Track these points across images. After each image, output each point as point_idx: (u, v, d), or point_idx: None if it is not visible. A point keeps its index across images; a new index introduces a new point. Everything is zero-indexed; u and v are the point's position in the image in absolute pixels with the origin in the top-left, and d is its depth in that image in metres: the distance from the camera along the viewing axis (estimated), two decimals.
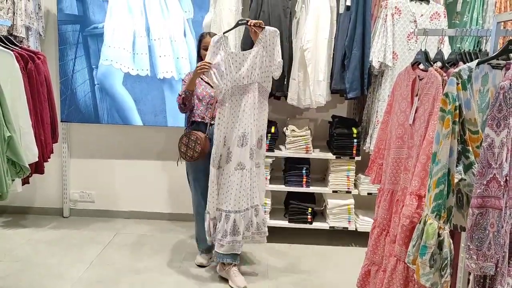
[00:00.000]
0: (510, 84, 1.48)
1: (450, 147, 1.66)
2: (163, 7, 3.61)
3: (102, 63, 3.67)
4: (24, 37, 3.38)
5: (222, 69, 2.65)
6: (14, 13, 3.33)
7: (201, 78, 2.89)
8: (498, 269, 1.54)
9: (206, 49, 2.75)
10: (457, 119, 1.66)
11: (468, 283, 1.79)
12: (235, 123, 2.75)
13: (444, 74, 1.87)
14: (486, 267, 1.53)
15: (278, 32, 2.76)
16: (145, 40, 3.63)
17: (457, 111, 1.65)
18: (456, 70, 1.69)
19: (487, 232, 1.51)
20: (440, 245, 1.69)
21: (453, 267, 1.75)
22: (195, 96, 2.87)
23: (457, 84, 1.66)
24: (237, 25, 2.80)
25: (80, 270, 2.98)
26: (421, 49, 2.07)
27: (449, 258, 1.68)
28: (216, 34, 2.80)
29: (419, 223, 1.75)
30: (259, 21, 2.73)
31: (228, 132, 2.75)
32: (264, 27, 2.71)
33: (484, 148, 1.51)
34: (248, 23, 2.71)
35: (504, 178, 1.50)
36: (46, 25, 3.70)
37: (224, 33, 2.73)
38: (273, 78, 2.85)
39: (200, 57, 2.90)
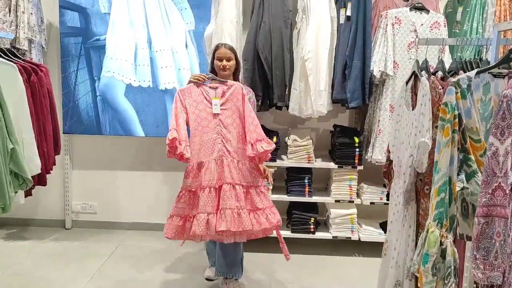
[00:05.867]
0: None
1: (450, 156, 1.66)
2: (164, 19, 3.63)
3: (104, 74, 3.68)
4: (26, 50, 3.40)
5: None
6: (17, 26, 3.35)
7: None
8: (505, 279, 1.53)
9: (220, 60, 2.75)
10: (456, 128, 1.66)
11: None
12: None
13: (439, 85, 1.86)
14: (493, 277, 1.52)
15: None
16: (147, 52, 3.65)
17: (457, 119, 1.66)
18: (455, 79, 1.70)
19: (493, 241, 1.50)
20: (443, 253, 1.68)
21: (459, 277, 1.74)
22: None
23: (456, 93, 1.66)
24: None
25: (82, 283, 2.96)
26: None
27: (452, 267, 1.67)
28: (229, 45, 2.83)
29: (423, 231, 1.75)
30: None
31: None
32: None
33: (489, 156, 1.50)
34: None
35: (510, 187, 1.50)
36: (48, 37, 3.73)
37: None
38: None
39: (213, 68, 2.84)
